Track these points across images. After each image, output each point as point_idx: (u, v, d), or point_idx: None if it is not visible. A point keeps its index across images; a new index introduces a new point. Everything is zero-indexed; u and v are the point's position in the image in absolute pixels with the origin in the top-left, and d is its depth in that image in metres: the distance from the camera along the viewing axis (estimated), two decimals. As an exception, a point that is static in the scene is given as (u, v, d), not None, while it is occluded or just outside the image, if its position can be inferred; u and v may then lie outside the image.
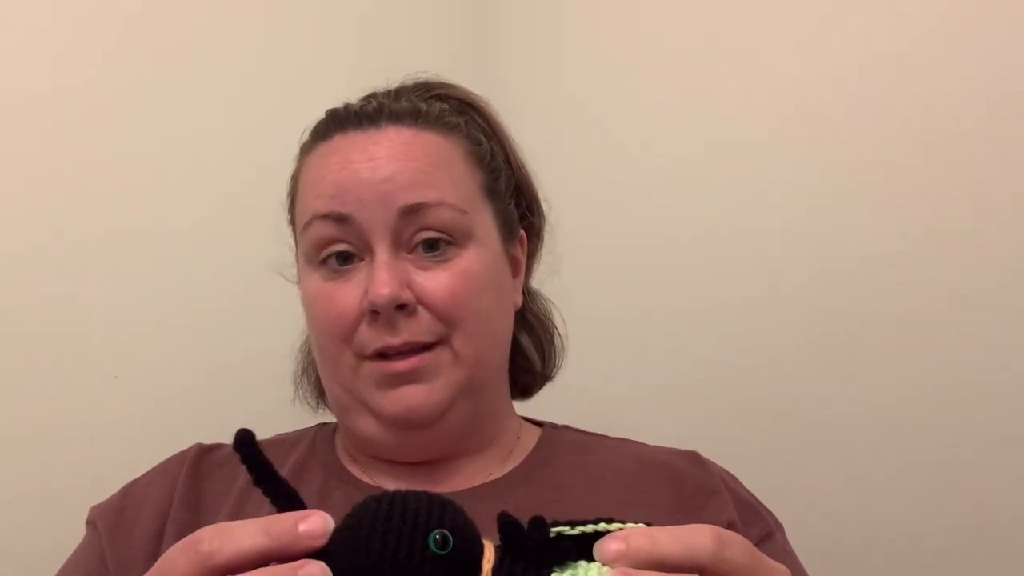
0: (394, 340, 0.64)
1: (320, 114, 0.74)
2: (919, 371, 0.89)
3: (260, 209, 0.78)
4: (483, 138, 0.73)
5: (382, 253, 0.65)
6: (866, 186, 0.92)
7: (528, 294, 0.78)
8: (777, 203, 0.98)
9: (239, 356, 0.95)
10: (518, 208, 0.75)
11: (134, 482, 0.73)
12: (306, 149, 0.73)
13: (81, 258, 0.90)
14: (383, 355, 0.65)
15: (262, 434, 0.76)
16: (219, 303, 0.96)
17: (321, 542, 0.36)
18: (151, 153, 0.95)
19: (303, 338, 0.81)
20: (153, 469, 0.74)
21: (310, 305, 0.69)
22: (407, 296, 0.64)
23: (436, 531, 0.35)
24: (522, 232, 0.76)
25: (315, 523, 0.37)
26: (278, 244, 0.79)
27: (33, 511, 0.85)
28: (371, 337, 0.65)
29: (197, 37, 0.99)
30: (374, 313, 0.64)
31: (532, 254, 0.78)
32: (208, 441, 0.74)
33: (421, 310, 0.65)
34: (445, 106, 0.73)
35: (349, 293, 0.66)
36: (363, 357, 0.66)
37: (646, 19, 1.09)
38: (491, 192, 0.71)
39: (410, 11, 1.19)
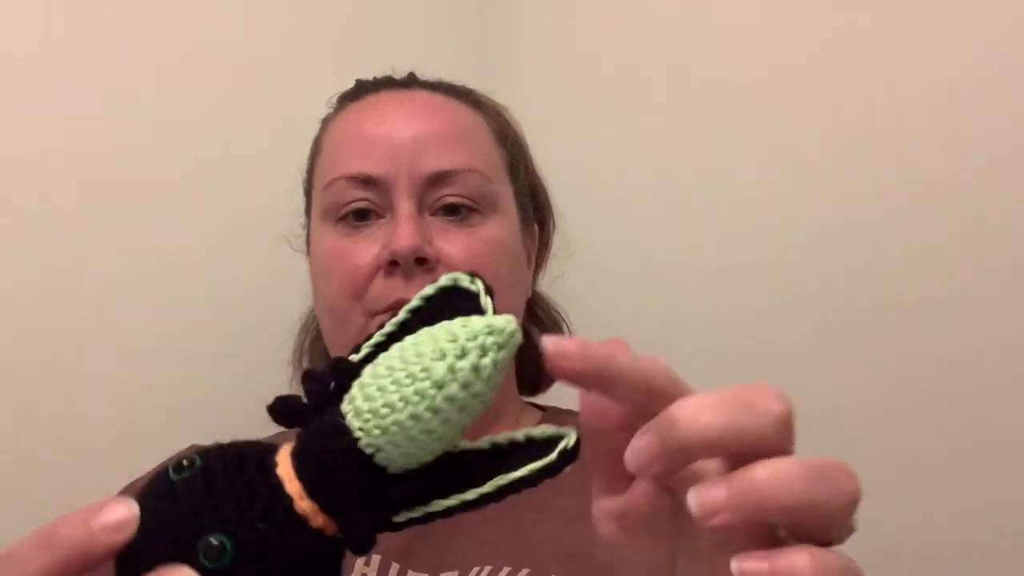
0: (410, 294, 0.61)
1: (315, 112, 0.74)
2: (918, 359, 0.87)
3: (259, 208, 0.79)
4: (507, 129, 0.73)
5: (405, 209, 0.64)
6: (870, 168, 0.90)
7: (536, 295, 0.77)
8: (783, 202, 0.96)
9: (241, 356, 0.94)
10: (532, 205, 0.75)
11: (124, 490, 0.70)
12: (332, 115, 0.73)
13: (81, 257, 0.90)
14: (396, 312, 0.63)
15: (263, 433, 0.77)
16: (220, 302, 0.96)
17: (126, 535, 0.30)
18: (152, 152, 0.94)
19: (302, 321, 0.80)
20: (148, 475, 0.71)
21: (323, 263, 0.67)
22: (429, 251, 0.63)
23: (208, 537, 0.29)
24: (536, 228, 0.75)
25: (113, 513, 0.30)
26: (280, 244, 0.78)
27: (33, 511, 0.81)
28: (385, 290, 0.63)
29: (199, 33, 0.98)
30: (391, 265, 0.63)
31: (540, 258, 0.78)
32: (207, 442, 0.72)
33: (441, 269, 0.63)
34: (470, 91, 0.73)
35: (366, 248, 0.65)
36: (374, 313, 0.64)
37: (648, 18, 1.07)
38: (513, 174, 0.71)
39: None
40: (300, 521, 0.30)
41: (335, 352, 0.69)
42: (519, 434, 0.32)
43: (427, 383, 0.29)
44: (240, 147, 0.97)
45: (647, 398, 0.31)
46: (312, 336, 0.79)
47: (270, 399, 0.80)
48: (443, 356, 0.29)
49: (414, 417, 0.29)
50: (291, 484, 0.30)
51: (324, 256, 0.67)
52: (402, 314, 0.32)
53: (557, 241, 0.80)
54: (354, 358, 0.33)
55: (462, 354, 0.29)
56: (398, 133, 0.65)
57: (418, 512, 0.31)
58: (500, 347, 0.29)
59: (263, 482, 0.30)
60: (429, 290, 0.32)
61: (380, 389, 0.30)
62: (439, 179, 0.64)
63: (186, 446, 0.72)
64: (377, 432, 0.29)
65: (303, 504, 0.30)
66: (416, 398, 0.29)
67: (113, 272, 0.91)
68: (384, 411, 0.29)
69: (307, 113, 0.75)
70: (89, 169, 0.90)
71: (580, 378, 0.30)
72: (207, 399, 0.93)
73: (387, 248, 0.62)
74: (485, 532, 0.60)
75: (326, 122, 0.73)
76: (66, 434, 0.88)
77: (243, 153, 0.97)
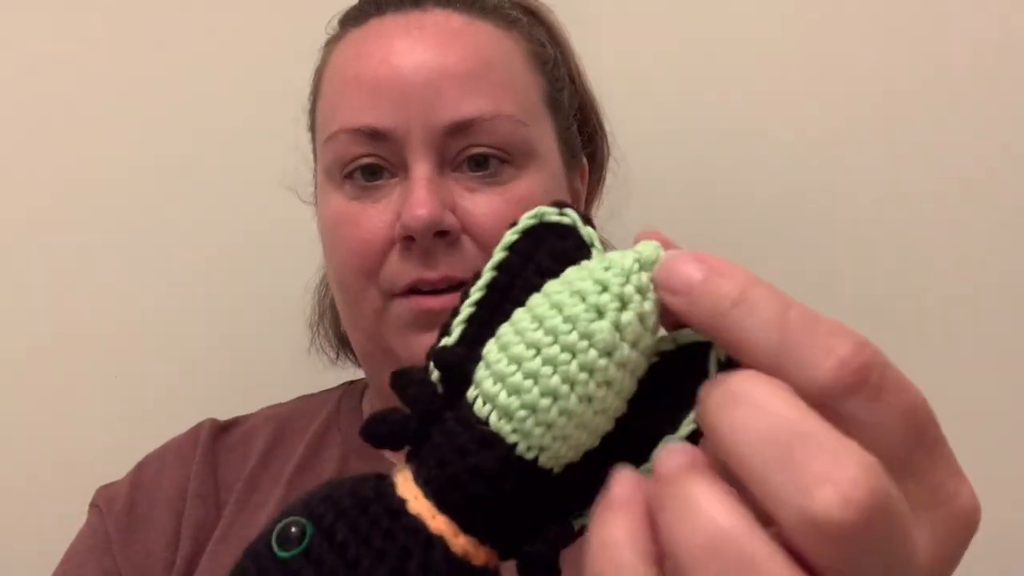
0: (430, 274, 0.54)
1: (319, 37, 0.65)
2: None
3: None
4: (546, 42, 0.63)
5: (421, 170, 0.54)
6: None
7: None
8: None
9: (241, 356, 0.88)
10: (581, 133, 0.65)
11: (143, 467, 0.66)
12: (333, 40, 0.63)
13: (81, 257, 0.87)
14: (415, 290, 0.54)
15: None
16: (219, 300, 0.89)
17: None
18: (151, 146, 0.88)
19: (319, 275, 0.72)
20: (164, 449, 0.66)
21: (329, 230, 0.59)
22: (450, 221, 0.53)
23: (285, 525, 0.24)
24: (584, 161, 0.65)
25: None
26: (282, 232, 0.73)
27: (33, 511, 0.84)
28: (402, 270, 0.54)
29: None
30: (407, 240, 0.53)
31: (592, 191, 0.68)
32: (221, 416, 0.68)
33: (465, 240, 0.54)
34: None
35: (377, 216, 0.55)
36: (392, 295, 0.55)
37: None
38: (554, 105, 0.61)
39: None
40: (463, 564, 0.24)
41: (351, 330, 0.61)
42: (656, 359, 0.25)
43: (593, 353, 0.23)
44: (244, 153, 0.87)
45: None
46: (331, 295, 0.71)
47: (287, 365, 0.75)
48: (601, 313, 0.23)
49: (585, 399, 0.23)
50: (435, 521, 0.24)
51: (330, 221, 0.58)
52: (487, 274, 0.27)
53: (610, 176, 0.70)
54: (447, 342, 0.27)
55: (623, 304, 0.23)
56: (408, 73, 0.55)
57: (588, 515, 0.24)
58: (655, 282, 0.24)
59: (401, 528, 0.24)
60: (511, 236, 0.27)
61: (530, 375, 0.23)
62: (459, 130, 0.54)
63: (198, 419, 0.68)
64: (539, 431, 0.23)
65: (459, 542, 0.24)
66: (583, 375, 0.23)
67: (113, 271, 0.87)
68: (544, 402, 0.23)
69: (312, 39, 0.66)
70: (89, 166, 0.86)
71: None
72: (207, 401, 0.84)
73: (400, 221, 0.54)
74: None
75: (328, 50, 0.63)
76: (66, 434, 0.86)
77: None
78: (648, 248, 0.24)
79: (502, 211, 0.54)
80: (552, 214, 0.26)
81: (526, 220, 0.27)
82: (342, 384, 0.70)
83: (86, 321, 0.86)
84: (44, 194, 0.86)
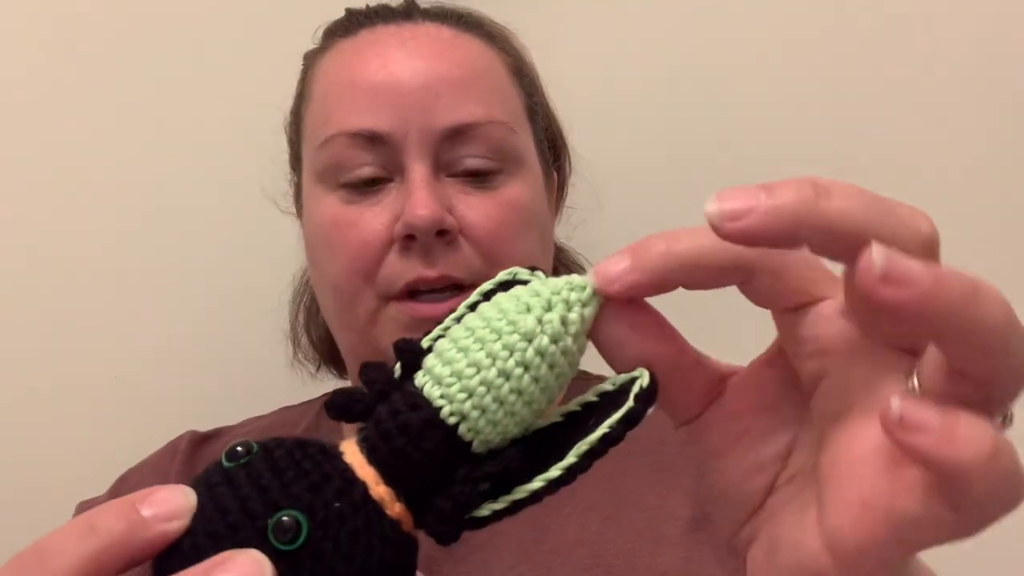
0: (429, 272, 0.55)
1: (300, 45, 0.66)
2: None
3: (259, 205, 0.73)
4: (521, 62, 0.65)
5: (420, 172, 0.55)
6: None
7: (557, 249, 0.71)
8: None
9: (241, 355, 0.89)
10: (550, 148, 0.67)
11: (123, 479, 0.67)
12: (318, 51, 0.64)
13: (81, 257, 0.87)
14: (412, 294, 0.56)
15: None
16: (219, 300, 0.91)
17: (179, 524, 0.25)
18: (151, 147, 0.89)
19: (295, 285, 0.73)
20: (143, 463, 0.68)
21: (323, 234, 0.58)
22: (450, 221, 0.55)
23: (280, 515, 0.25)
24: (554, 175, 0.68)
25: (165, 501, 0.25)
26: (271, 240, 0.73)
27: (32, 511, 0.80)
28: (401, 269, 0.55)
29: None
30: (408, 239, 0.55)
31: (557, 204, 0.70)
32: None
33: (463, 241, 0.56)
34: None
35: (375, 218, 0.56)
36: (388, 298, 0.56)
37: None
38: (532, 116, 0.63)
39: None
40: (378, 508, 0.27)
41: (343, 333, 0.61)
42: (588, 394, 0.29)
43: (515, 336, 0.27)
44: (242, 154, 0.86)
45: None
46: (307, 307, 0.72)
47: (266, 379, 0.77)
48: (528, 309, 0.27)
49: (503, 374, 0.27)
50: (363, 470, 0.27)
51: (324, 226, 0.58)
52: (461, 309, 0.30)
53: (581, 188, 0.72)
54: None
55: (548, 307, 0.27)
56: (406, 79, 0.56)
57: (502, 503, 0.27)
58: (583, 303, 0.28)
59: (331, 465, 0.27)
60: (488, 285, 0.31)
61: (462, 350, 0.27)
62: (456, 134, 0.56)
63: (181, 430, 0.69)
64: (462, 396, 0.27)
65: (379, 490, 0.27)
66: (505, 352, 0.27)
67: (113, 271, 0.88)
68: (469, 371, 0.27)
69: (292, 48, 0.67)
70: (88, 165, 0.87)
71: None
72: (207, 400, 0.88)
73: (401, 220, 0.54)
74: (510, 540, 0.55)
75: (311, 59, 0.64)
76: (66, 434, 0.86)
77: (247, 159, 0.86)
78: (579, 278, 0.28)
79: (496, 214, 0.56)
80: (524, 273, 0.30)
81: (502, 275, 0.31)
82: (323, 395, 0.70)
83: (73, 333, 0.87)
84: (27, 211, 0.86)
